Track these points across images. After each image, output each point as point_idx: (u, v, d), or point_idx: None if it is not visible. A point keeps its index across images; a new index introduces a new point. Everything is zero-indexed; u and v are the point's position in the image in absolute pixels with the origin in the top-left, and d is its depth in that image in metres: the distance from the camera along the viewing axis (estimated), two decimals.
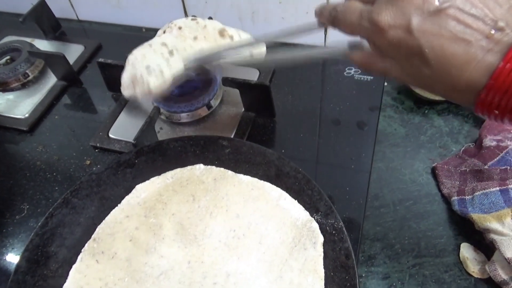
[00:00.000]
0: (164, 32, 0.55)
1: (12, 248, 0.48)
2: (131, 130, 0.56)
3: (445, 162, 0.52)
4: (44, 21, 0.73)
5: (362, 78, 0.62)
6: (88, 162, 0.56)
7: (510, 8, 0.24)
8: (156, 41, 0.53)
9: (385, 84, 0.62)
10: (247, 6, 0.69)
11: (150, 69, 0.46)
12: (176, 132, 0.56)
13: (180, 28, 0.54)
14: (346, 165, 0.52)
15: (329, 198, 0.47)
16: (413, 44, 0.26)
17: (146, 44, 0.52)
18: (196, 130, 0.56)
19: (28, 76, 0.67)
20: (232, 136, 0.54)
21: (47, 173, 0.56)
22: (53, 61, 0.64)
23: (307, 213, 0.38)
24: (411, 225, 0.48)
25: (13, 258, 0.48)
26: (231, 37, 0.54)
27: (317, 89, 0.62)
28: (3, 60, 0.69)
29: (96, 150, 0.57)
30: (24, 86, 0.66)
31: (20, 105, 0.64)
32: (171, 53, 0.50)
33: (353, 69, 0.64)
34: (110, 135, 0.58)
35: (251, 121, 0.57)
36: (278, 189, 0.40)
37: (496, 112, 0.25)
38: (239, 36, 0.55)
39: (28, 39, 0.73)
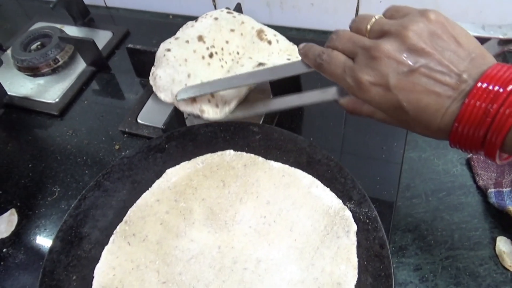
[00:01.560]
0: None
1: (45, 229, 0.50)
2: (159, 116, 0.56)
3: None
4: (74, 8, 0.74)
5: None
6: (117, 146, 0.57)
7: (472, 60, 0.28)
8: (191, 34, 0.52)
9: None
10: None
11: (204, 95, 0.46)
12: (204, 119, 0.56)
13: (216, 18, 0.54)
14: (377, 155, 0.51)
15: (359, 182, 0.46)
16: (392, 99, 0.30)
17: (181, 39, 0.52)
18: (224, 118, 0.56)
19: (58, 61, 0.68)
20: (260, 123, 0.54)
21: (77, 157, 0.57)
22: (82, 46, 0.65)
23: (340, 201, 0.37)
24: (444, 216, 0.46)
25: (45, 239, 0.49)
26: (269, 42, 0.53)
27: None
28: (34, 46, 0.70)
29: (125, 135, 0.58)
30: (54, 71, 0.68)
31: (50, 90, 0.65)
32: (211, 55, 0.50)
33: None
34: (139, 121, 0.58)
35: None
36: (310, 176, 0.39)
37: (463, 148, 0.29)
38: (277, 41, 0.54)
39: (58, 26, 0.74)
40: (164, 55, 0.51)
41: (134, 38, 0.73)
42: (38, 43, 0.70)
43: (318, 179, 0.39)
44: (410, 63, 0.29)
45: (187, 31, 0.53)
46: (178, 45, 0.51)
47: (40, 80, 0.67)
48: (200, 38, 0.51)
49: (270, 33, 0.54)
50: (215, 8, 0.74)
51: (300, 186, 0.39)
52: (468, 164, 0.50)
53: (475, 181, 0.48)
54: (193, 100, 0.46)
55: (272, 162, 0.41)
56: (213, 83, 0.45)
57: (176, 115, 0.51)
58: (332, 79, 0.34)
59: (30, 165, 0.57)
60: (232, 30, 0.53)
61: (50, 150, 0.58)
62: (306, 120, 0.56)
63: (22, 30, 0.76)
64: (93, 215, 0.39)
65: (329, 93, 0.42)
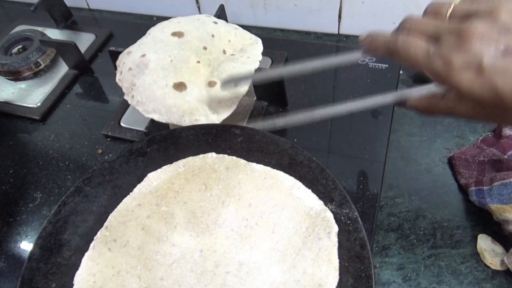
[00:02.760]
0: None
1: (26, 236, 0.49)
2: (142, 119, 0.55)
3: (463, 152, 0.51)
4: (56, 10, 0.73)
5: (377, 66, 0.61)
6: (100, 150, 0.56)
7: None
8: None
9: (401, 72, 0.60)
10: None
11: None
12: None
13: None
14: (361, 155, 0.51)
15: (343, 188, 0.46)
16: (485, 83, 0.27)
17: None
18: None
19: (40, 65, 0.67)
20: (244, 125, 0.54)
21: (60, 162, 0.56)
22: (64, 49, 0.64)
23: (321, 202, 0.37)
24: (427, 215, 0.47)
25: (26, 245, 0.48)
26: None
27: (330, 77, 0.61)
28: (15, 49, 0.69)
29: (108, 139, 0.57)
30: (36, 75, 0.67)
31: (32, 94, 0.64)
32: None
33: (368, 57, 0.62)
34: (122, 124, 0.58)
35: (263, 110, 0.56)
36: (292, 178, 0.39)
37: None
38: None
39: (40, 28, 0.73)
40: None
41: (117, 41, 0.72)
42: (20, 46, 0.69)
43: (300, 181, 0.39)
44: (506, 43, 0.26)
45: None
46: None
47: (22, 84, 0.66)
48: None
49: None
50: (199, 10, 0.74)
51: (282, 188, 0.39)
52: (450, 163, 0.51)
53: (456, 180, 0.49)
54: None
55: (254, 165, 0.41)
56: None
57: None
58: (411, 65, 0.31)
59: (11, 171, 0.56)
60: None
61: (31, 155, 0.57)
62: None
63: (3, 33, 0.74)
64: (73, 221, 0.39)
65: (389, 97, 0.39)
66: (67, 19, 0.76)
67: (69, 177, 0.54)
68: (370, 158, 0.51)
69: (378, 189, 0.48)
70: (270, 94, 0.57)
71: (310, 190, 0.38)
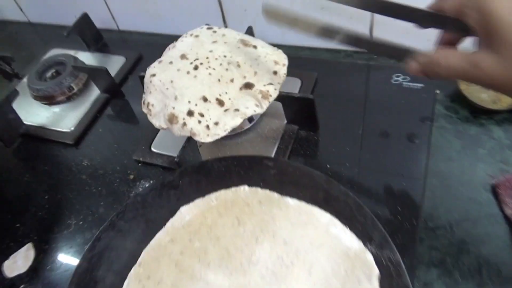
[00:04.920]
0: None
1: (61, 264, 0.50)
2: (173, 143, 0.56)
3: (508, 179, 0.48)
4: (87, 34, 0.74)
5: (412, 86, 0.58)
6: (131, 176, 0.56)
7: None
8: (174, 54, 0.52)
9: (437, 92, 0.58)
10: None
11: (193, 114, 0.45)
12: (217, 146, 0.55)
13: (196, 36, 0.54)
14: (397, 182, 0.49)
15: (376, 216, 0.44)
16: None
17: (165, 61, 0.52)
18: (237, 144, 0.55)
19: (73, 89, 0.68)
20: (274, 151, 0.53)
21: (93, 187, 0.56)
22: (96, 74, 0.65)
23: (360, 242, 0.36)
24: (471, 249, 0.44)
25: (62, 274, 0.49)
26: (255, 47, 0.52)
27: (362, 98, 0.59)
28: (49, 74, 0.71)
29: (139, 164, 0.58)
30: (69, 99, 0.68)
31: (65, 118, 0.65)
32: (196, 68, 0.49)
33: (401, 76, 0.60)
34: (153, 149, 0.58)
35: (294, 134, 0.55)
36: (328, 215, 0.38)
37: None
38: (262, 46, 0.53)
39: (72, 52, 0.75)
40: (151, 81, 0.51)
41: (147, 62, 0.72)
42: (53, 71, 0.71)
43: (336, 217, 0.38)
44: None
45: (169, 53, 0.54)
46: (162, 68, 0.51)
47: (56, 109, 0.67)
48: (183, 56, 0.52)
49: (254, 40, 0.54)
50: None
51: (318, 225, 0.38)
52: (494, 191, 0.48)
53: (502, 210, 0.46)
54: (184, 124, 0.46)
55: (288, 199, 0.40)
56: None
57: (190, 145, 0.50)
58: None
59: (46, 197, 0.57)
60: (215, 42, 0.53)
61: (66, 180, 0.58)
62: (322, 146, 0.54)
63: (38, 57, 0.77)
64: (107, 257, 0.39)
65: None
66: (98, 41, 0.77)
67: (102, 203, 0.55)
68: (408, 185, 0.49)
69: (417, 220, 0.46)
70: (300, 117, 0.55)
71: (347, 228, 0.37)
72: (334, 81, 0.62)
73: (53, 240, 0.52)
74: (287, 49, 0.70)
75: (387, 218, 0.46)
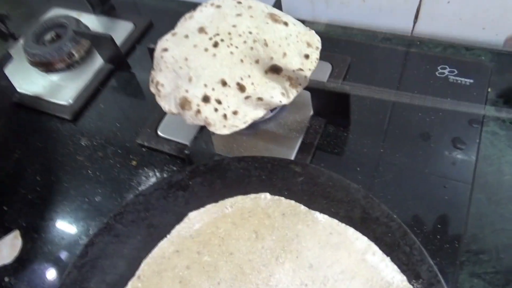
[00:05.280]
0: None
1: (51, 257, 0.44)
2: (183, 128, 0.49)
3: None
4: None
5: (460, 81, 0.51)
6: (134, 162, 0.50)
7: None
8: (191, 26, 0.45)
9: (489, 90, 0.50)
10: None
11: (210, 100, 0.39)
12: (232, 135, 0.48)
13: (218, 6, 0.46)
14: (438, 195, 0.43)
15: (412, 232, 0.38)
16: None
17: (179, 34, 0.44)
18: (255, 135, 0.48)
19: (74, 56, 0.61)
20: (298, 146, 0.46)
21: (90, 172, 0.51)
22: (99, 42, 0.57)
23: (404, 278, 0.30)
24: None
25: (52, 269, 0.43)
26: (286, 24, 0.45)
27: (400, 91, 0.52)
28: (48, 37, 0.63)
29: (143, 149, 0.51)
30: (69, 67, 0.61)
31: (64, 89, 0.59)
32: (215, 45, 0.42)
33: (448, 68, 0.52)
34: (159, 133, 0.51)
35: (321, 129, 0.48)
36: (365, 239, 0.32)
37: None
38: (294, 24, 0.45)
39: (75, 13, 0.67)
40: (162, 56, 0.44)
41: (157, 32, 0.65)
42: (53, 34, 0.63)
43: (376, 243, 0.31)
44: None
45: (185, 24, 0.46)
46: (176, 42, 0.44)
47: (54, 77, 0.60)
48: (201, 30, 0.44)
49: (285, 16, 0.46)
50: None
51: (352, 250, 0.32)
52: None
53: None
54: (198, 111, 0.40)
55: (317, 214, 0.34)
56: None
57: (202, 135, 0.43)
58: None
59: (38, 178, 0.51)
60: (239, 15, 0.44)
61: (60, 161, 0.52)
62: (352, 145, 0.48)
63: (37, 17, 0.69)
64: (101, 266, 0.33)
65: None
66: (104, 3, 0.69)
67: (99, 190, 0.49)
68: (450, 199, 0.42)
69: (458, 241, 0.40)
70: (329, 110, 0.48)
71: (388, 258, 0.31)
72: (369, 68, 0.55)
73: (43, 229, 0.47)
74: (317, 27, 0.62)
75: (425, 237, 0.40)
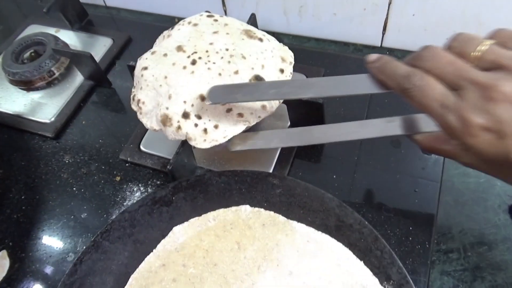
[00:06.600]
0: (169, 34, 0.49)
1: (39, 276, 0.45)
2: (165, 142, 0.50)
3: None
4: (70, 10, 0.67)
5: None
6: (118, 178, 0.51)
7: None
8: (169, 45, 0.46)
9: None
10: None
11: (189, 116, 0.40)
12: (214, 148, 0.50)
13: (195, 25, 0.48)
14: (409, 199, 0.45)
15: (386, 235, 0.40)
16: (502, 149, 0.25)
17: (158, 53, 0.46)
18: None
19: (54, 74, 0.62)
20: (277, 156, 0.48)
21: (75, 189, 0.51)
22: (79, 60, 0.58)
23: (376, 280, 0.32)
24: (486, 277, 0.41)
25: (41, 284, 0.44)
26: (260, 40, 0.47)
27: (375, 101, 0.54)
28: (27, 54, 0.63)
29: (127, 164, 0.52)
30: (49, 84, 0.62)
31: (45, 107, 0.59)
32: (193, 63, 0.44)
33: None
34: (142, 148, 0.53)
35: None
36: (340, 245, 0.34)
37: None
38: (268, 40, 0.47)
39: (53, 30, 0.68)
40: (142, 75, 0.45)
41: (136, 46, 0.66)
42: (31, 51, 0.64)
43: (350, 249, 0.34)
44: None
45: (164, 43, 0.47)
46: (155, 61, 0.45)
47: (34, 95, 0.61)
48: (180, 48, 0.45)
49: (259, 32, 0.48)
50: (225, 12, 0.67)
51: (329, 257, 0.34)
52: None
53: None
54: (178, 127, 0.41)
55: (294, 223, 0.36)
56: (247, 87, 0.38)
57: (184, 150, 0.45)
58: (422, 110, 0.28)
59: (23, 197, 0.52)
60: (216, 32, 0.46)
61: (44, 179, 0.53)
62: (327, 154, 0.50)
63: (16, 33, 0.69)
64: (90, 283, 0.35)
65: (395, 126, 0.37)
66: (82, 19, 0.70)
67: (85, 207, 0.50)
68: (420, 202, 0.45)
69: (429, 242, 0.42)
70: (306, 120, 0.50)
71: (362, 263, 0.33)
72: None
73: (31, 248, 0.47)
74: (291, 39, 0.65)
75: (397, 239, 0.42)
